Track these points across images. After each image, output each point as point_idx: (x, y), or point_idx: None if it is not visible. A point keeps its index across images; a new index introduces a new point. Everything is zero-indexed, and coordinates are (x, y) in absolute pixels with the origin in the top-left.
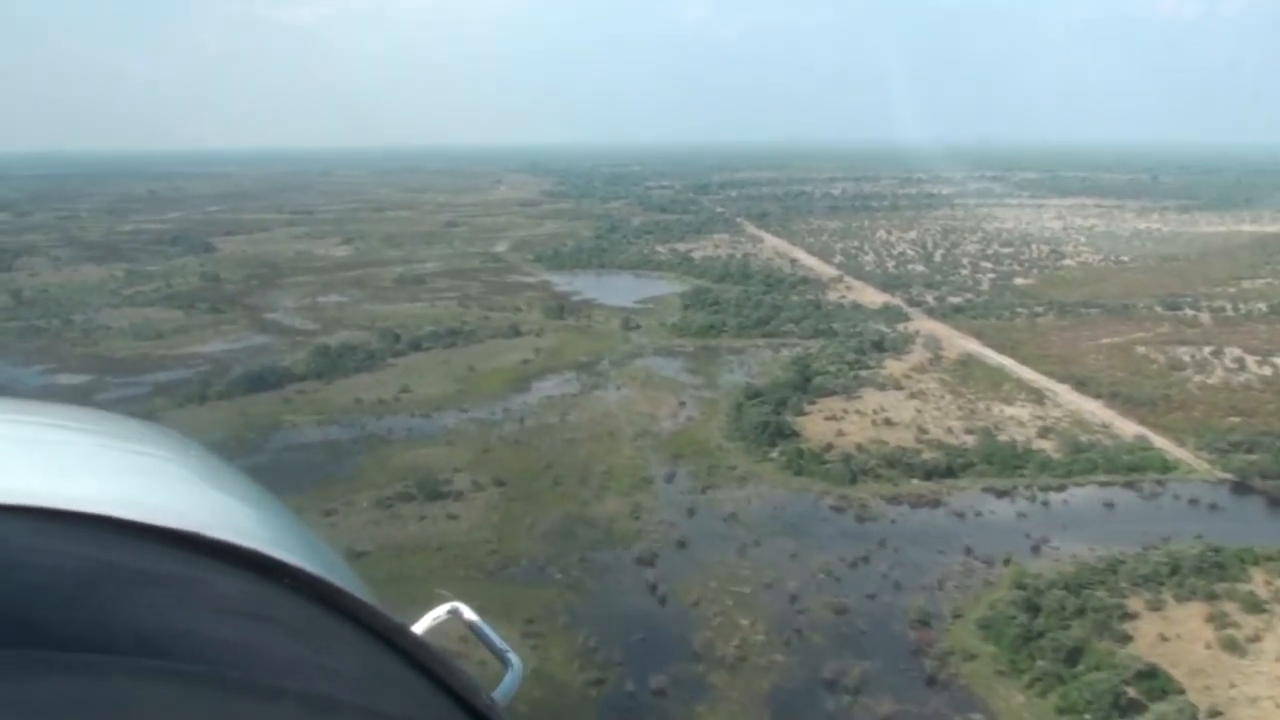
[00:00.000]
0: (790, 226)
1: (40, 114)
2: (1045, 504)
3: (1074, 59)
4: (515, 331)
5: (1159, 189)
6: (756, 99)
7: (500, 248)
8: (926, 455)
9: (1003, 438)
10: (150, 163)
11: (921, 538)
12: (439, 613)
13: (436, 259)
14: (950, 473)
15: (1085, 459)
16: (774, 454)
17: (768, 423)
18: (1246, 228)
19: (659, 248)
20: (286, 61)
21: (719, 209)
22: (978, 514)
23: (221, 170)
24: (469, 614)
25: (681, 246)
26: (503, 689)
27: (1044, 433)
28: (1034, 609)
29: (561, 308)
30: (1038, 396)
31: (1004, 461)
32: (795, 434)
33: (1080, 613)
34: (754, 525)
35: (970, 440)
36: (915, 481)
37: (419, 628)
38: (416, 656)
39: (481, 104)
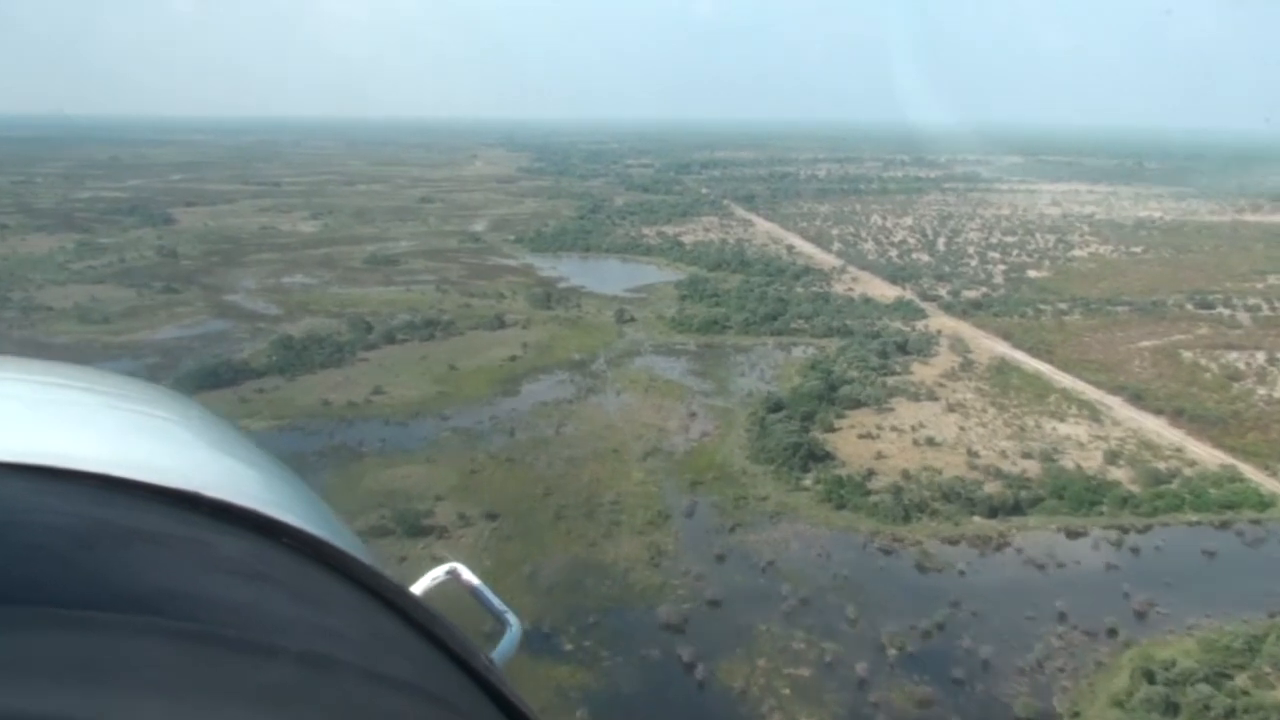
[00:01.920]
0: (780, 209)
1: (2, 77)
2: (1135, 551)
3: (1047, 43)
4: (499, 322)
5: (1147, 175)
6: (733, 78)
7: (478, 226)
8: (986, 486)
9: (1066, 463)
10: (116, 128)
11: (1001, 596)
12: (438, 574)
13: (411, 237)
14: (1017, 508)
15: (1169, 494)
16: (808, 481)
17: (799, 444)
18: (1249, 217)
19: (645, 230)
20: (260, 30)
21: (703, 190)
22: (1059, 564)
23: (189, 138)
24: (468, 575)
25: (669, 229)
26: (501, 650)
27: (1111, 458)
28: (1172, 709)
29: (548, 296)
30: (1091, 411)
31: (1076, 496)
32: (829, 456)
33: (1231, 715)
34: (798, 577)
35: (1030, 467)
36: (977, 519)
37: (418, 589)
38: (415, 617)
39: (456, 77)
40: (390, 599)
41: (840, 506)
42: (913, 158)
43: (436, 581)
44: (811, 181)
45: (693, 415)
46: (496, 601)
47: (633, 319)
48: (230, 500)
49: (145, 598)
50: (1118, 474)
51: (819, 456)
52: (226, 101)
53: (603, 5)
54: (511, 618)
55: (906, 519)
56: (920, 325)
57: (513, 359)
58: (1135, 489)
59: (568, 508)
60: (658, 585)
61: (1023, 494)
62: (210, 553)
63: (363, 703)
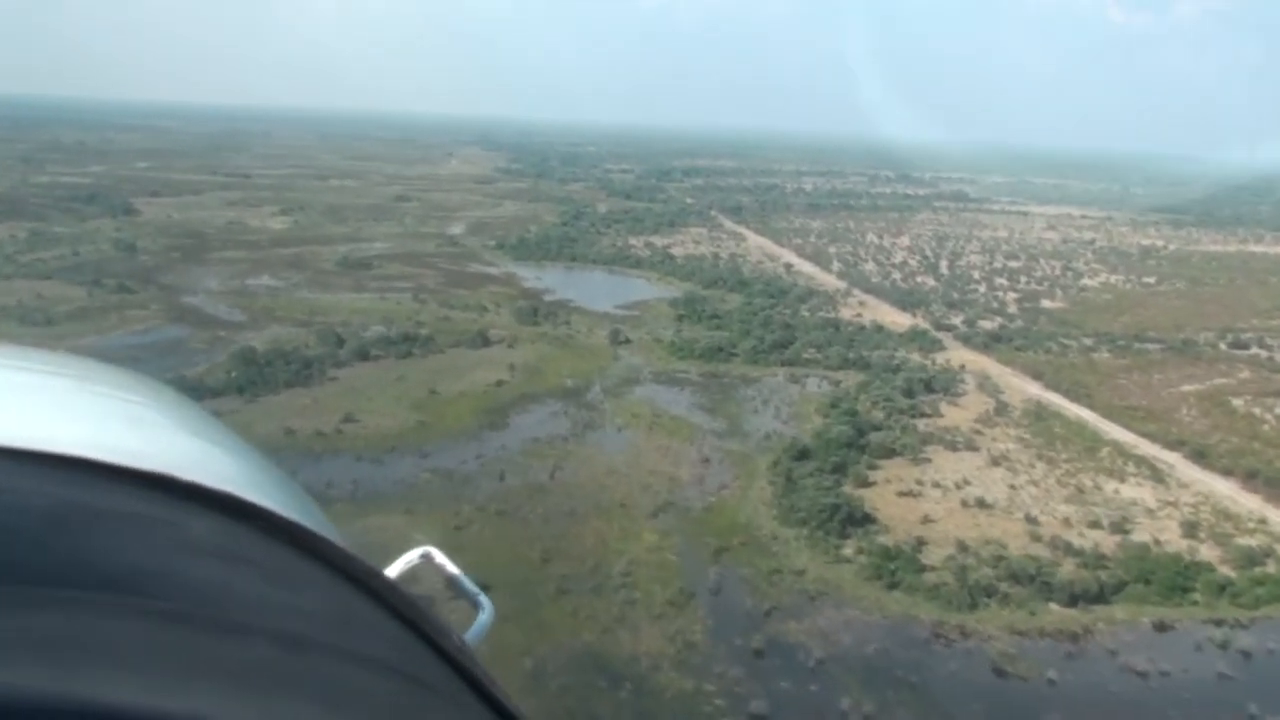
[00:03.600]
0: (770, 223)
1: None
2: (1245, 655)
3: (1019, 64)
4: (483, 339)
5: (1137, 201)
6: (710, 85)
7: (456, 229)
8: (1059, 566)
9: (1140, 536)
10: (82, 111)
11: (1105, 717)
12: (411, 557)
13: (385, 238)
14: (1099, 595)
15: (1269, 580)
16: (849, 550)
17: (836, 505)
18: (1255, 248)
19: (632, 240)
20: (234, 16)
21: (688, 199)
22: (1163, 672)
23: (157, 123)
24: (441, 558)
25: (657, 240)
26: (474, 631)
27: (1189, 530)
28: None
29: (535, 310)
30: (1151, 470)
31: (1165, 581)
32: (869, 519)
33: None
34: (857, 683)
35: (1101, 540)
36: (1055, 608)
37: (391, 571)
38: (388, 599)
39: (432, 72)
40: (363, 581)
41: (892, 586)
42: (897, 174)
43: (410, 565)
44: (799, 195)
45: (706, 461)
46: (469, 585)
47: (628, 340)
48: (203, 483)
49: (118, 577)
50: (1202, 551)
51: (858, 519)
52: (198, 87)
53: (580, 7)
54: (484, 600)
55: (973, 606)
56: (940, 359)
57: (499, 384)
58: (1228, 572)
59: (572, 579)
60: (689, 692)
61: (1102, 575)
62: (183, 534)
63: (336, 680)
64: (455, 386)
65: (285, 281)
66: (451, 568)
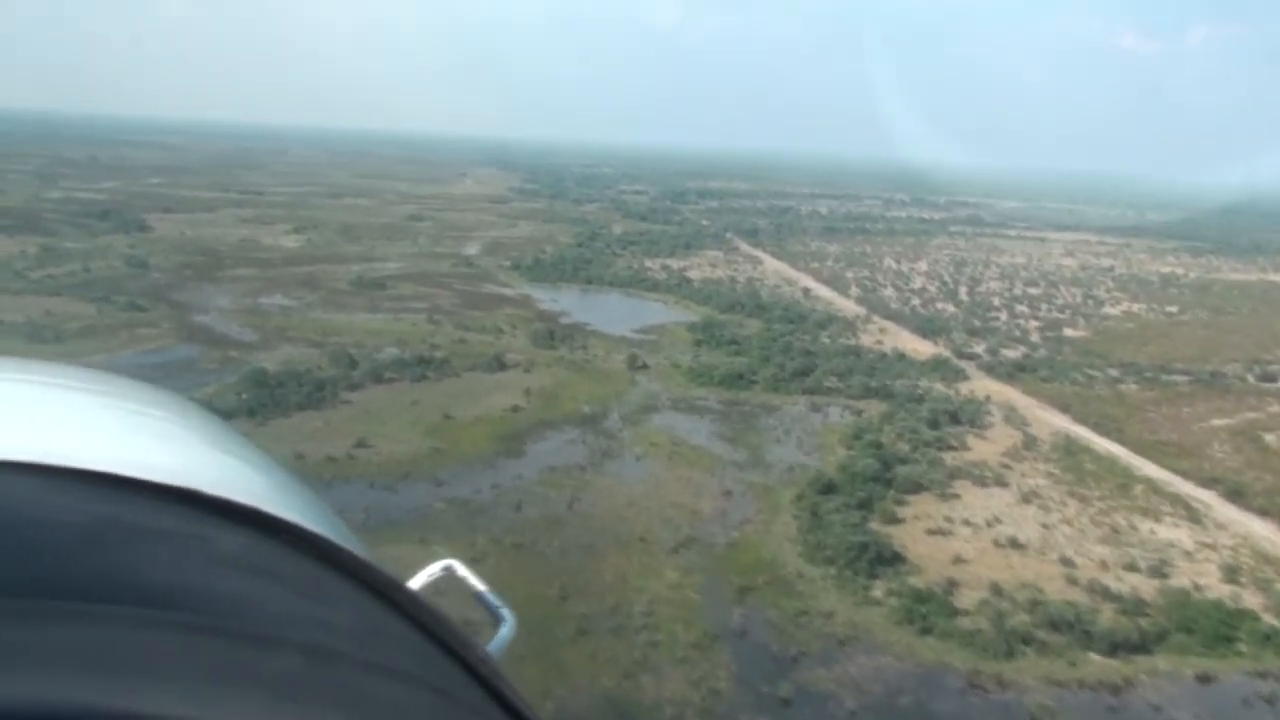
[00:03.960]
0: (786, 247)
1: None
2: None
3: (1027, 88)
4: (499, 363)
5: (1154, 228)
6: (722, 106)
7: (471, 250)
8: (1098, 612)
9: (1179, 580)
10: (96, 127)
11: None
12: (433, 570)
13: (400, 258)
14: (1141, 644)
15: None
16: (878, 592)
17: (865, 544)
18: (1276, 277)
19: (648, 263)
20: (249, 34)
21: (703, 221)
22: None
23: (171, 140)
24: (463, 571)
25: (673, 263)
26: (496, 643)
27: (1229, 575)
28: None
29: (551, 333)
30: (1186, 510)
31: (1207, 630)
32: (899, 558)
33: None
34: None
35: (1139, 585)
36: (1094, 657)
37: (414, 584)
38: (412, 611)
39: (445, 92)
40: (388, 594)
41: (925, 631)
42: (912, 197)
43: (432, 578)
44: (814, 218)
45: (728, 493)
46: (492, 598)
47: (645, 366)
48: (230, 497)
49: (150, 591)
50: (1245, 597)
51: (887, 559)
52: (212, 104)
53: (592, 28)
54: (507, 613)
55: (1010, 654)
56: (964, 388)
57: (515, 409)
58: (1272, 620)
59: (591, 619)
60: None
61: (1143, 623)
62: (211, 548)
63: (364, 691)
64: (470, 411)
65: (298, 301)
66: (474, 580)
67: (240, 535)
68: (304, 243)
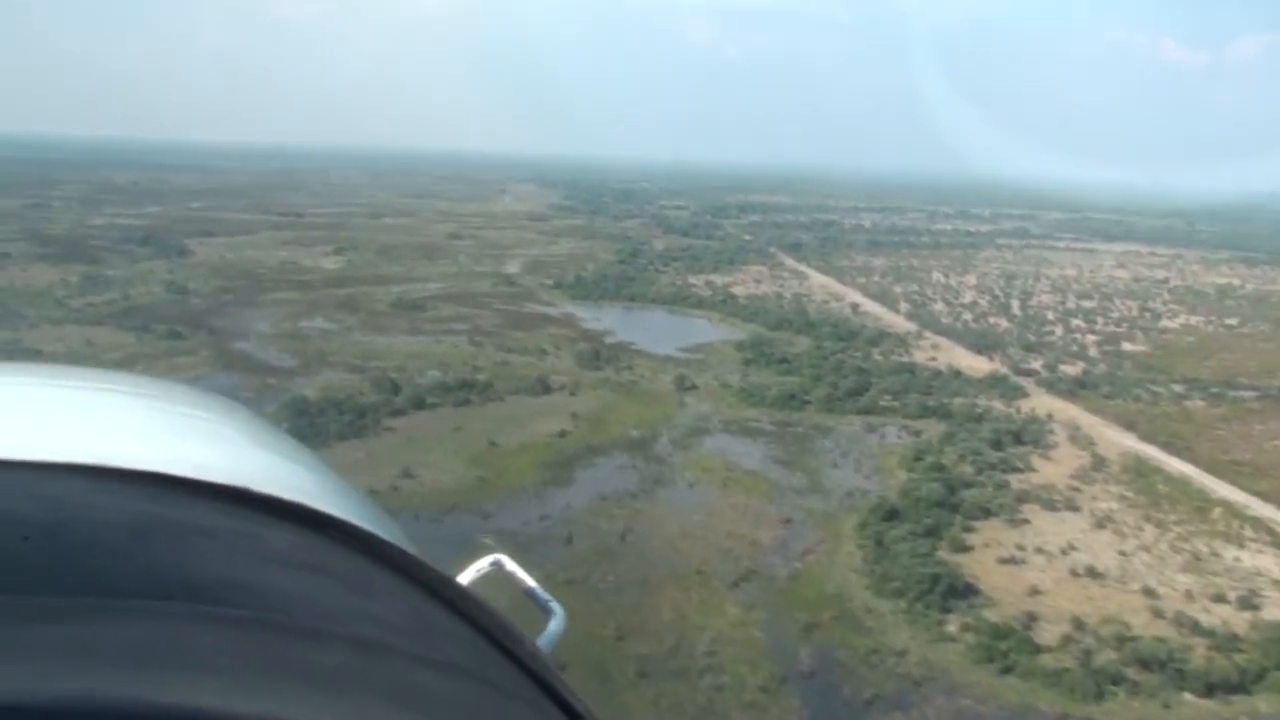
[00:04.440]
0: (832, 261)
1: (29, 96)
2: None
3: (1066, 99)
4: (543, 386)
5: (1204, 238)
6: (760, 121)
7: (512, 268)
8: (1190, 649)
9: (1270, 614)
10: (139, 152)
11: None
12: (482, 564)
13: (440, 278)
14: (1239, 684)
15: None
16: (953, 627)
17: (936, 575)
18: None
19: (691, 279)
20: (288, 56)
21: (746, 236)
22: None
23: (212, 164)
24: (512, 566)
25: (717, 279)
26: (546, 637)
27: None
28: None
29: (596, 354)
30: (1270, 535)
31: None
32: (972, 590)
33: None
34: None
35: (1230, 618)
36: (1189, 698)
37: (464, 579)
38: (461, 606)
39: (484, 109)
40: (436, 588)
41: (1006, 670)
42: (955, 209)
43: (481, 572)
44: (858, 231)
45: (787, 521)
46: (541, 592)
47: (694, 386)
48: (279, 494)
49: (198, 587)
50: None
51: (959, 591)
52: (255, 128)
53: (628, 42)
54: (556, 607)
55: (1099, 695)
56: (1024, 406)
57: (562, 434)
58: None
59: (651, 660)
60: None
61: (1239, 660)
62: (260, 545)
63: (413, 684)
64: (516, 438)
65: (338, 324)
66: (523, 575)
67: (289, 532)
68: (344, 264)
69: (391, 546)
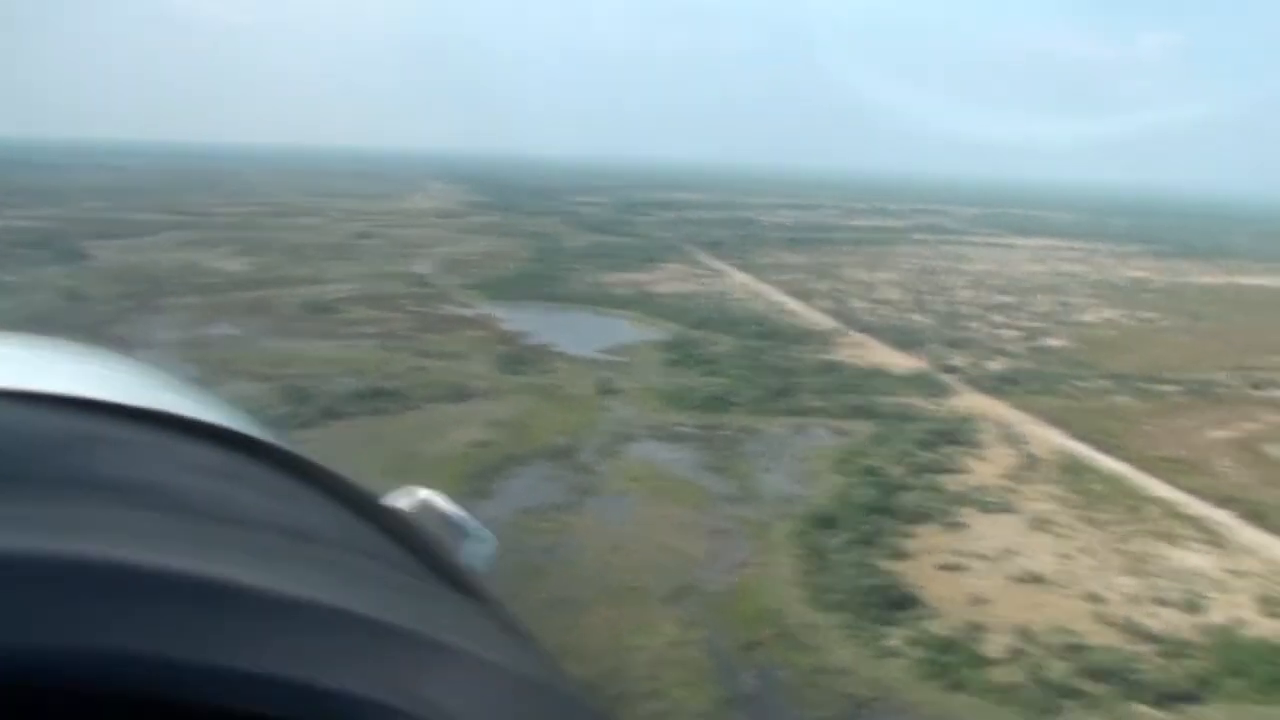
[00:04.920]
0: (751, 259)
1: None
2: None
3: (986, 98)
4: (461, 392)
5: (1116, 232)
6: (672, 118)
7: (424, 268)
8: (1139, 657)
9: (1216, 616)
10: (45, 150)
11: None
12: (408, 492)
13: (350, 279)
14: (1191, 693)
15: None
16: (896, 641)
17: (875, 587)
18: (1244, 280)
19: (610, 277)
20: (203, 52)
21: (663, 233)
22: None
23: (120, 161)
24: (435, 496)
25: (636, 277)
26: (477, 560)
27: (1267, 607)
28: None
29: (515, 357)
30: (1206, 533)
31: (1260, 674)
32: (914, 600)
33: None
34: None
35: (1176, 621)
36: (1143, 709)
37: (389, 502)
38: (390, 523)
39: (398, 105)
40: (364, 506)
41: (955, 686)
42: (871, 206)
43: (408, 500)
44: (777, 229)
45: (720, 532)
46: (469, 519)
47: (617, 390)
48: (199, 417)
49: (125, 485)
50: None
51: (901, 601)
52: (164, 125)
53: (546, 42)
54: (486, 533)
55: (1052, 711)
56: (951, 405)
57: (483, 445)
58: None
59: (588, 685)
60: None
61: (1190, 666)
62: (185, 456)
63: (347, 564)
64: (434, 448)
65: (244, 329)
66: (448, 505)
67: (209, 449)
68: (250, 266)
69: (317, 465)
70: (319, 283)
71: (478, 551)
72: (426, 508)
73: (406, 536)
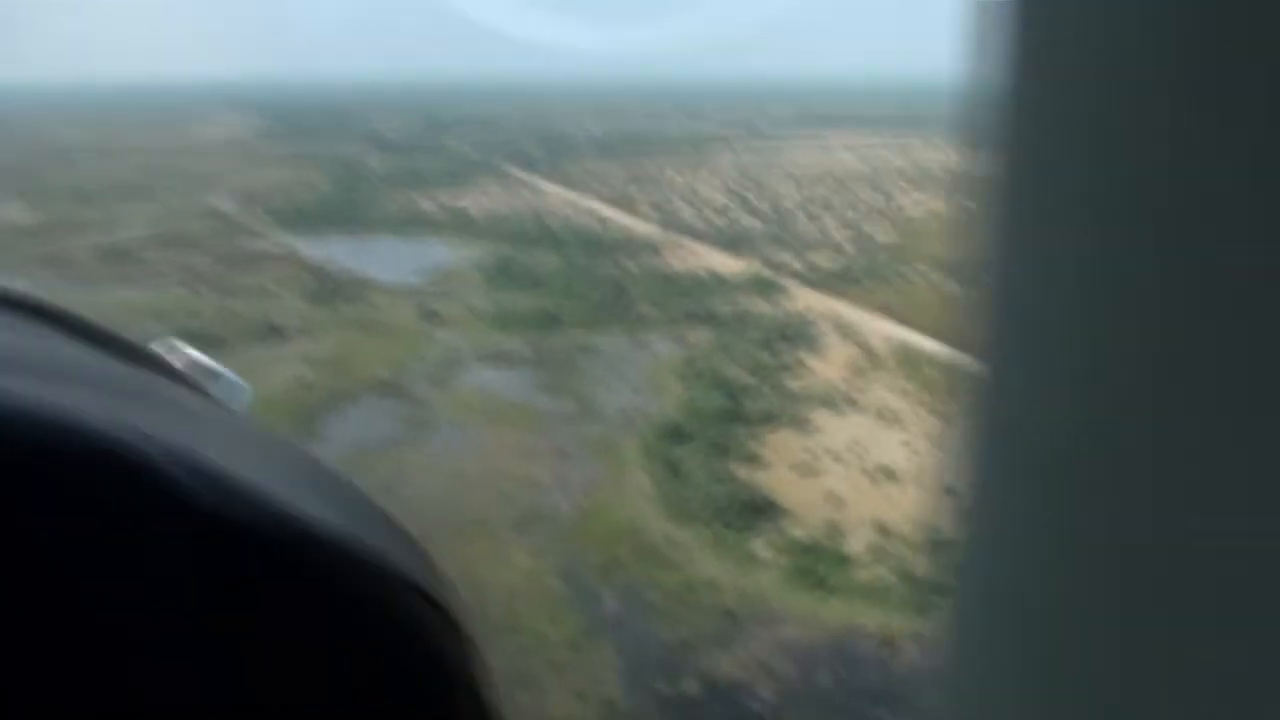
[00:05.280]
0: (566, 172)
1: None
2: None
3: None
4: (274, 330)
5: (926, 120)
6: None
7: (222, 203)
8: None
9: None
10: None
11: None
12: (160, 342)
13: (145, 220)
14: None
15: None
16: (759, 547)
17: (734, 494)
18: None
19: (420, 200)
20: None
21: (471, 151)
22: None
23: None
24: (184, 346)
25: (447, 198)
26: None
27: None
28: None
29: (328, 290)
30: None
31: None
32: (773, 506)
33: None
34: None
35: None
36: None
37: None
38: (144, 359)
39: (168, 30)
40: (122, 347)
41: (824, 591)
42: (679, 107)
43: (162, 347)
44: (588, 140)
45: (564, 454)
46: (221, 368)
47: (440, 316)
48: None
49: None
50: None
51: (760, 508)
52: None
53: None
54: (242, 382)
55: (923, 607)
56: (787, 305)
57: (304, 384)
58: None
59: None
60: None
61: None
62: None
63: (113, 378)
64: (253, 392)
65: (37, 281)
66: (193, 352)
67: None
68: (35, 213)
69: (96, 326)
70: (111, 227)
71: (233, 395)
72: (178, 354)
73: (166, 370)
